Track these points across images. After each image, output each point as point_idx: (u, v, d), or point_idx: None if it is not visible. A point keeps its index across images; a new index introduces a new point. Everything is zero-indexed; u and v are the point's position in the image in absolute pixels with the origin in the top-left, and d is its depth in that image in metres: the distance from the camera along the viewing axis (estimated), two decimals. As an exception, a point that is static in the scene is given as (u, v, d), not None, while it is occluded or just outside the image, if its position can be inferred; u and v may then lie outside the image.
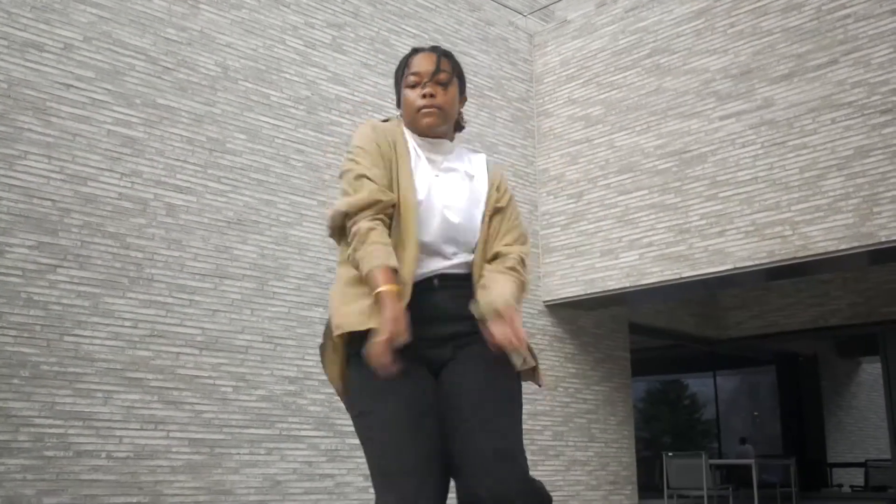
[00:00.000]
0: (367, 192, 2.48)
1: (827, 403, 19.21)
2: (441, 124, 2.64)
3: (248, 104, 9.10)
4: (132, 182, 8.14)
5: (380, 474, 2.33)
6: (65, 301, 7.54)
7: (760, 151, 10.04)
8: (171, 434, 7.94)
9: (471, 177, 2.69)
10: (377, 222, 2.45)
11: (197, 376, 8.20)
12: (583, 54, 11.89)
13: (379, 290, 2.30)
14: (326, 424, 8.95)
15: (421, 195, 2.56)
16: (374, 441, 2.36)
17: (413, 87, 2.64)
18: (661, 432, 19.84)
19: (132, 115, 8.26)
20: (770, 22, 10.17)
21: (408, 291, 2.41)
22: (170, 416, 7.96)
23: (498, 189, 2.70)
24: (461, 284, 2.55)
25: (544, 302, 11.62)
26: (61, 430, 7.33)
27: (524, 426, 2.60)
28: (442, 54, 2.68)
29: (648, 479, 13.70)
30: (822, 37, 9.76)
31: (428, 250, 2.53)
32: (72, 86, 7.94)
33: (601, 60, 11.68)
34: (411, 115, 2.64)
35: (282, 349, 8.86)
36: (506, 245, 2.63)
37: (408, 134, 2.69)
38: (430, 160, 2.66)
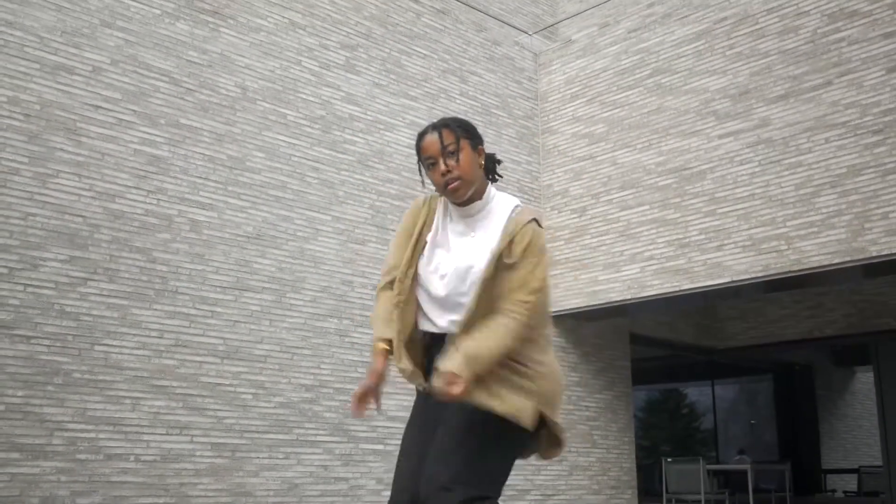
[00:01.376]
0: (385, 267, 3.09)
1: (822, 411, 19.53)
2: (467, 190, 2.94)
3: (266, 123, 9.44)
4: (157, 199, 8.48)
5: None
6: (95, 312, 7.88)
7: (757, 169, 10.36)
8: (194, 439, 8.28)
9: (485, 239, 2.93)
10: (385, 288, 3.04)
11: (219, 384, 8.54)
12: (586, 73, 12.23)
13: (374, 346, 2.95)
14: (341, 430, 9.27)
15: (422, 267, 2.97)
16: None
17: (431, 168, 2.95)
18: (661, 440, 20.14)
19: (157, 135, 8.60)
20: (767, 44, 10.50)
21: (405, 347, 2.96)
22: (194, 422, 8.30)
23: (512, 245, 2.85)
24: (444, 341, 2.88)
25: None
26: (92, 435, 7.66)
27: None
28: (442, 127, 2.96)
29: (648, 484, 14.03)
30: (817, 59, 10.09)
31: (428, 311, 2.96)
32: (100, 107, 8.28)
33: (604, 80, 12.02)
34: (441, 192, 2.98)
35: (298, 358, 9.19)
36: (510, 289, 2.83)
37: (443, 201, 3.07)
38: (459, 226, 2.99)
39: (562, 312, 11.86)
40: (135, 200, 8.33)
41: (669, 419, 21.04)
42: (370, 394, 2.91)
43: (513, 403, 2.77)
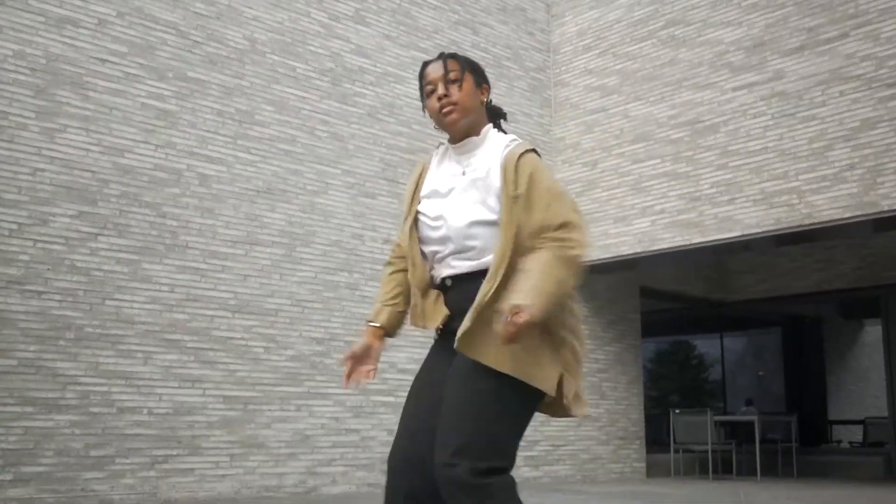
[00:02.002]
0: (398, 239, 2.97)
1: (829, 364, 19.49)
2: (462, 118, 2.77)
3: (275, 77, 9.32)
4: (166, 153, 8.39)
5: None
6: (105, 267, 7.84)
7: (771, 122, 10.23)
8: (207, 392, 8.27)
9: (483, 177, 2.72)
10: (391, 263, 2.97)
11: (230, 338, 8.52)
12: (599, 25, 12.04)
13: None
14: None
15: (423, 212, 2.80)
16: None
17: (430, 95, 2.80)
18: (670, 391, 20.17)
19: (165, 89, 8.50)
20: (782, -5, 10.33)
21: (419, 299, 2.83)
22: (206, 375, 8.29)
23: (512, 176, 2.66)
24: (471, 282, 2.65)
25: (559, 266, 11.86)
26: (105, 388, 7.66)
27: None
28: (447, 57, 2.82)
29: (656, 434, 14.05)
30: (833, 11, 9.90)
31: (435, 259, 2.78)
32: (107, 60, 8.17)
33: (617, 31, 11.84)
34: (437, 119, 2.81)
35: (309, 312, 9.16)
36: (538, 223, 2.59)
37: (441, 150, 2.91)
38: (453, 166, 2.82)
39: (572, 266, 11.78)
40: (143, 155, 8.25)
41: (679, 370, 21.06)
42: (356, 366, 2.82)
43: (544, 375, 2.59)
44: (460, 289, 2.70)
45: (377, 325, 2.86)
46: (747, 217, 10.25)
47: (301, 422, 8.90)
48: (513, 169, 2.65)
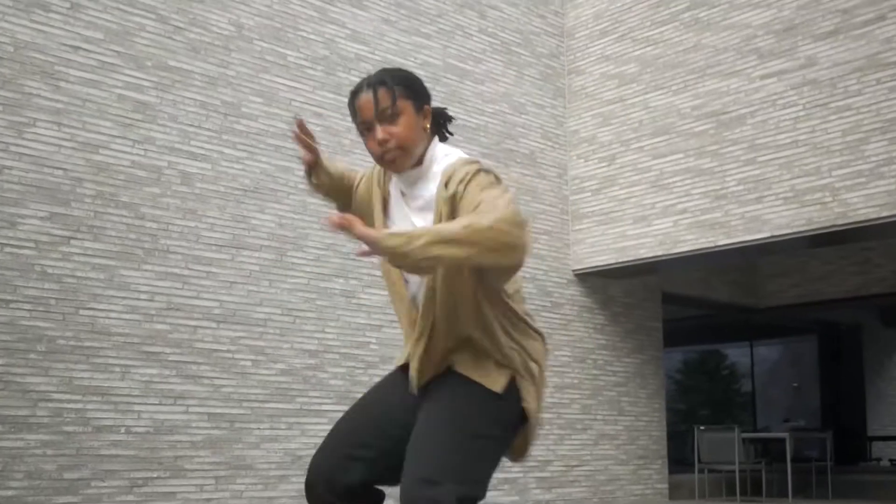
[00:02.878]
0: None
1: (869, 373, 19.40)
2: (406, 159, 2.69)
3: (263, 65, 9.30)
4: (145, 150, 8.38)
5: None
6: (79, 273, 7.83)
7: (802, 113, 10.19)
8: (190, 409, 8.26)
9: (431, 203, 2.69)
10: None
11: (215, 350, 8.50)
12: (617, 7, 12.00)
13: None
14: (348, 398, 9.22)
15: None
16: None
17: (365, 133, 2.71)
18: (698, 404, 20.01)
19: (143, 79, 8.48)
20: (815, -26, 10.28)
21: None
22: (189, 391, 8.27)
23: (447, 186, 2.60)
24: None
25: (573, 271, 11.86)
26: (80, 405, 7.65)
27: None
28: (378, 85, 2.67)
29: (681, 453, 13.99)
30: (870, -10, 9.89)
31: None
32: (80, 48, 8.16)
33: (636, 14, 11.79)
34: (378, 162, 2.76)
35: (301, 322, 9.14)
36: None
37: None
38: (401, 197, 2.80)
39: (587, 270, 11.78)
40: (120, 151, 8.23)
41: (708, 381, 20.94)
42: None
43: (499, 381, 2.65)
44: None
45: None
46: (777, 217, 10.21)
47: (293, 441, 8.87)
48: (446, 181, 2.60)
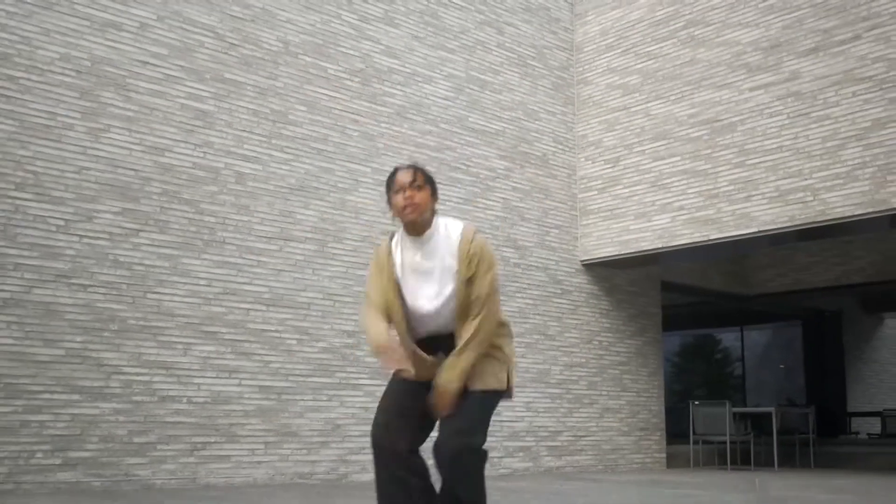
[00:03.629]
0: (368, 299, 3.73)
1: (849, 357, 19.62)
2: (418, 216, 3.56)
3: (307, 77, 9.64)
4: (204, 153, 8.73)
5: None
6: (147, 262, 8.19)
7: (786, 122, 10.44)
8: (243, 382, 8.62)
9: (444, 263, 3.58)
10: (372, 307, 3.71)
11: (265, 330, 8.86)
12: (622, 24, 12.27)
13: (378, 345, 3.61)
14: (381, 373, 9.54)
15: (408, 297, 3.63)
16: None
17: (397, 193, 3.56)
18: (694, 385, 20.26)
19: (203, 90, 8.82)
20: (799, -3, 10.53)
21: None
22: (242, 366, 8.63)
23: (469, 261, 3.55)
24: (445, 340, 3.61)
25: (581, 261, 12.16)
26: (147, 378, 8.02)
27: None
28: (417, 169, 3.60)
29: (678, 426, 14.28)
30: (846, 13, 10.11)
31: (424, 322, 3.64)
32: (148, 62, 8.51)
33: (639, 31, 12.06)
34: (398, 213, 3.59)
35: (340, 305, 9.48)
36: (474, 305, 3.55)
37: (398, 237, 3.72)
38: (413, 253, 3.63)
39: (594, 261, 12.08)
40: (183, 154, 8.58)
41: (703, 363, 21.17)
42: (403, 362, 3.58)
43: (499, 379, 3.63)
44: (444, 345, 3.63)
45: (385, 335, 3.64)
46: (763, 214, 10.47)
47: (332, 411, 9.23)
48: (467, 254, 3.55)
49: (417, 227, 3.59)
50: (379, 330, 3.58)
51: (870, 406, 19.51)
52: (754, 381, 19.24)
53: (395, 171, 3.65)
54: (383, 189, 3.72)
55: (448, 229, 3.64)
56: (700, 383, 20.87)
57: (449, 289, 3.55)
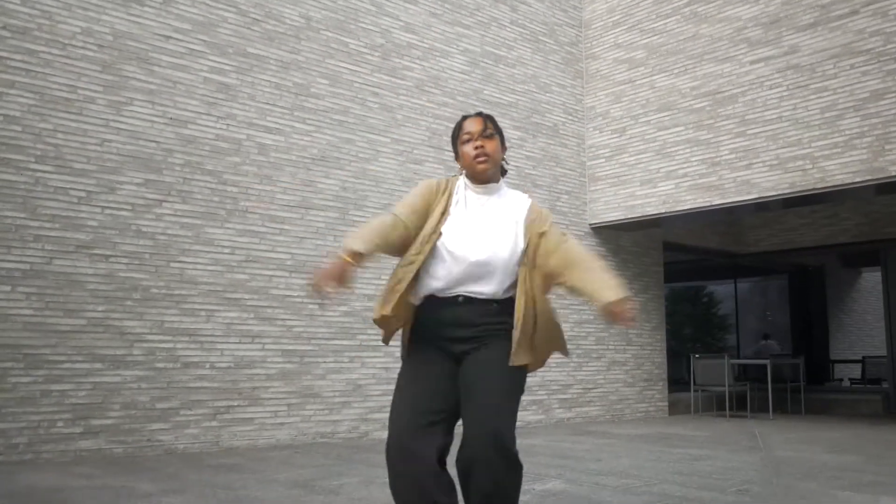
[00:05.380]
0: (401, 203, 2.84)
1: (831, 307, 18.32)
2: (491, 167, 2.82)
3: (329, 52, 8.42)
4: (227, 125, 7.55)
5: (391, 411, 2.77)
6: (170, 232, 7.05)
7: (786, 93, 9.18)
8: (266, 346, 7.50)
9: (513, 219, 2.79)
10: (389, 216, 2.79)
11: (288, 295, 7.72)
12: (627, 2, 10.93)
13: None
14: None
15: (447, 232, 2.73)
16: (396, 394, 2.78)
17: (467, 142, 2.83)
18: (689, 331, 19.01)
19: (225, 64, 7.63)
20: (800, -28, 9.18)
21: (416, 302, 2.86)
22: (264, 331, 7.51)
23: (540, 219, 2.81)
24: (484, 303, 2.72)
25: (590, 224, 10.92)
26: (170, 345, 6.91)
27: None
28: (486, 117, 2.85)
29: (675, 373, 13.12)
30: (845, -13, 8.80)
31: (461, 277, 2.72)
32: (171, 37, 7.31)
33: (644, 8, 10.73)
34: (469, 163, 2.82)
35: (361, 270, 8.27)
36: (562, 250, 2.75)
37: (462, 184, 2.87)
38: (477, 201, 2.81)
39: (602, 224, 10.85)
40: (206, 126, 7.41)
41: (698, 312, 19.95)
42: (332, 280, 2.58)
43: (543, 357, 2.84)
44: (474, 308, 2.71)
45: (361, 251, 2.66)
46: (764, 181, 9.24)
47: (354, 372, 8.11)
48: (536, 217, 2.82)
49: (486, 177, 2.83)
50: (362, 236, 2.67)
51: (850, 353, 18.25)
52: (745, 325, 17.86)
53: (464, 119, 2.88)
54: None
55: (512, 193, 2.91)
56: (694, 328, 19.66)
57: (509, 242, 2.72)
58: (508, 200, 2.86)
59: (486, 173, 2.82)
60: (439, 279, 2.74)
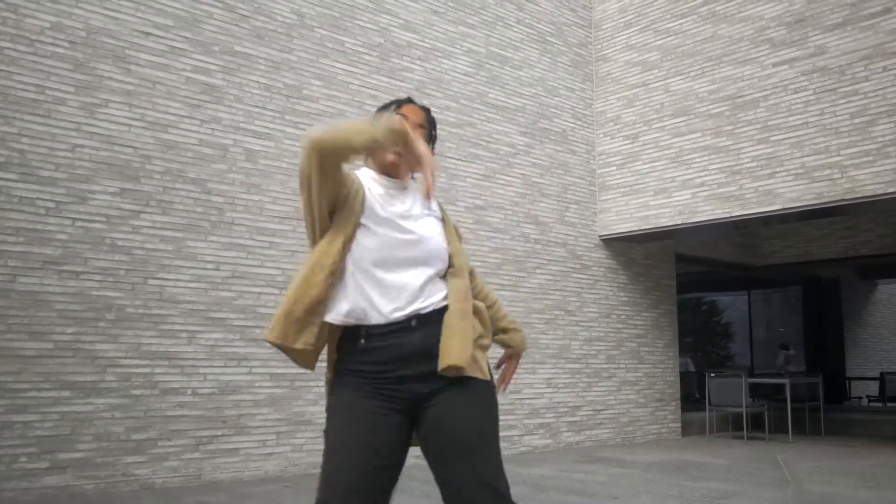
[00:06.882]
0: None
1: (846, 320, 17.71)
2: (409, 169, 2.42)
3: (323, 51, 7.84)
4: (212, 129, 6.97)
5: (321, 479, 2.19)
6: (148, 245, 6.46)
7: (812, 97, 8.61)
8: (253, 370, 6.90)
9: (431, 212, 2.42)
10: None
11: (276, 315, 7.13)
12: (640, 1, 10.37)
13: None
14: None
15: (383, 231, 2.29)
16: (327, 454, 2.20)
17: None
18: (689, 339, 18.44)
19: (210, 63, 7.05)
20: (827, -32, 8.62)
21: None
22: (252, 353, 6.91)
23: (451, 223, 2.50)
24: (435, 325, 2.25)
25: (600, 236, 10.33)
26: (147, 370, 6.31)
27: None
28: (427, 111, 2.53)
29: (686, 390, 12.51)
30: (878, -16, 8.24)
31: (384, 292, 2.28)
32: (150, 34, 6.73)
33: (658, 7, 10.16)
34: (385, 161, 2.37)
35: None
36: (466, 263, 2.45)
37: (365, 173, 2.40)
38: (392, 197, 2.35)
39: (613, 236, 10.27)
40: (188, 130, 6.82)
41: (699, 320, 19.38)
42: None
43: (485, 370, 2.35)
44: (428, 330, 2.22)
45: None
46: (788, 190, 8.66)
47: (348, 396, 7.51)
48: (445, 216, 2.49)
49: (402, 171, 2.40)
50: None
51: (867, 368, 17.62)
52: (759, 339, 17.24)
53: (409, 99, 2.50)
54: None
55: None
56: (706, 342, 19.04)
57: (438, 238, 2.32)
58: (418, 194, 2.52)
59: (398, 169, 2.44)
60: (371, 302, 2.41)
